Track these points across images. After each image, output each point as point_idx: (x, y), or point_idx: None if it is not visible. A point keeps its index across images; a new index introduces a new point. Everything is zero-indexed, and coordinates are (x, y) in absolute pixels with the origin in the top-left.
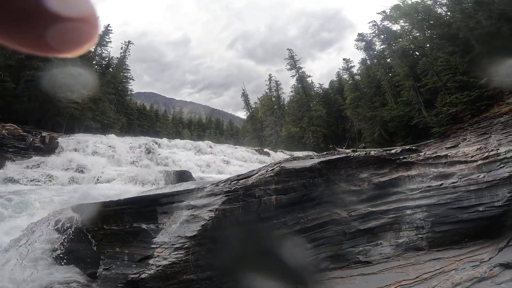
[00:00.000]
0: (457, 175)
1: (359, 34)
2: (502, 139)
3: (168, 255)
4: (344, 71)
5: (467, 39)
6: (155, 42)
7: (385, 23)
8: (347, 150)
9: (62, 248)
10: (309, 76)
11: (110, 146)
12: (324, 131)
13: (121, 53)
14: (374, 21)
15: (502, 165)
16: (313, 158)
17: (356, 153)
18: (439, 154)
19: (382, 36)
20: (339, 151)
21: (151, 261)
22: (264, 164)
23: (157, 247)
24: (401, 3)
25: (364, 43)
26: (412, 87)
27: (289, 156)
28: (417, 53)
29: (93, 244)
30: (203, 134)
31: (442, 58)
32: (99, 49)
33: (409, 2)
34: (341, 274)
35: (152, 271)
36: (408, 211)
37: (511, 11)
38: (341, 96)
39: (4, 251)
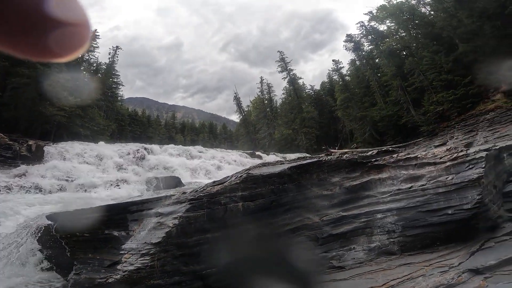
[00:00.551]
0: (426, 177)
1: (348, 35)
2: (488, 136)
3: (135, 261)
4: (334, 72)
5: (451, 38)
6: (146, 46)
7: (372, 23)
8: (340, 151)
9: (42, 254)
10: (300, 78)
11: (97, 154)
12: (317, 133)
13: (109, 58)
14: (362, 22)
15: (471, 166)
16: (283, 163)
17: (327, 157)
18: (409, 155)
19: (370, 37)
20: (332, 152)
21: (119, 267)
22: (238, 170)
23: (125, 253)
24: (387, 4)
25: (353, 44)
26: (400, 87)
27: (260, 162)
28: (404, 52)
29: (67, 251)
30: (196, 138)
31: (427, 58)
32: (86, 55)
33: (395, 2)
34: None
35: (118, 276)
36: (379, 215)
37: (492, 8)
38: (332, 97)
39: None
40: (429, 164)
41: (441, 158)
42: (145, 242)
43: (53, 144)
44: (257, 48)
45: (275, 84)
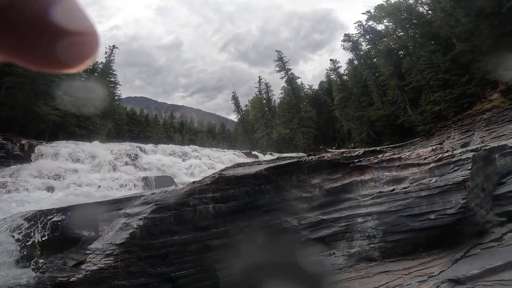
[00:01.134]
0: (409, 180)
1: (346, 35)
2: (485, 135)
3: (99, 261)
4: (331, 72)
5: (448, 37)
6: (146, 46)
7: (370, 23)
8: (337, 151)
9: (19, 252)
10: (298, 78)
11: (90, 153)
12: (314, 132)
13: (105, 57)
14: (360, 22)
15: (456, 168)
16: (261, 164)
17: (308, 158)
18: (393, 156)
19: (368, 36)
20: (329, 151)
21: (82, 266)
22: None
23: (91, 253)
24: (384, 3)
25: (351, 43)
26: (397, 86)
27: (234, 163)
28: (401, 52)
29: (38, 250)
30: (195, 138)
31: (424, 57)
32: None
33: (392, 1)
34: None
35: (81, 275)
36: (359, 219)
37: (489, 7)
38: (330, 97)
39: None
40: (412, 165)
41: (425, 159)
42: (110, 243)
43: (46, 143)
44: (257, 48)
45: (275, 84)
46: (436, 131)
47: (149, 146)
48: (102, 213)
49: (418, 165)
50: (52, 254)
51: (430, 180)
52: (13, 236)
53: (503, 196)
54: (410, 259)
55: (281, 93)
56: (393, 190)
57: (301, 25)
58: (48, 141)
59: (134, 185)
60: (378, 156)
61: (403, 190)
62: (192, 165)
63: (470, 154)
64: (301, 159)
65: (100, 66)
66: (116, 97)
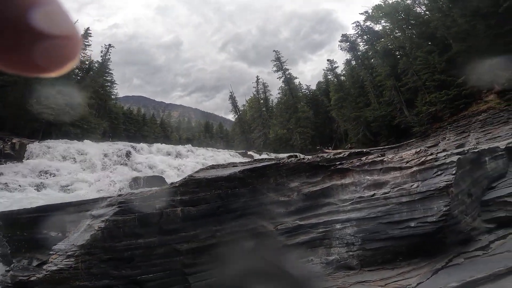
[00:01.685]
0: (390, 184)
1: (343, 35)
2: (480, 137)
3: (60, 261)
4: (329, 72)
5: (445, 37)
6: (145, 45)
7: (368, 23)
8: (334, 151)
9: None
10: (296, 78)
11: (82, 152)
12: (312, 133)
13: (101, 56)
14: (358, 22)
15: (439, 173)
16: (236, 166)
17: (287, 160)
18: (375, 159)
19: (365, 37)
20: (326, 151)
21: (44, 266)
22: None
23: (54, 254)
24: (382, 3)
25: (348, 43)
26: (393, 87)
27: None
28: (398, 52)
29: (8, 249)
30: (192, 137)
31: (421, 57)
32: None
33: (390, 2)
34: None
35: (41, 275)
36: (338, 225)
37: (485, 7)
38: (327, 97)
39: None
40: (394, 169)
41: (407, 162)
42: (72, 244)
43: (38, 142)
44: (256, 48)
45: (273, 84)
46: (432, 132)
47: (142, 146)
48: (69, 214)
49: (400, 168)
50: (21, 253)
51: (411, 185)
52: None
53: (493, 202)
54: (389, 268)
55: (279, 93)
56: (373, 195)
57: (301, 25)
58: (42, 140)
59: (128, 184)
60: (362, 158)
61: (384, 195)
62: (185, 165)
63: (454, 158)
64: (279, 161)
65: (96, 65)
66: (112, 96)
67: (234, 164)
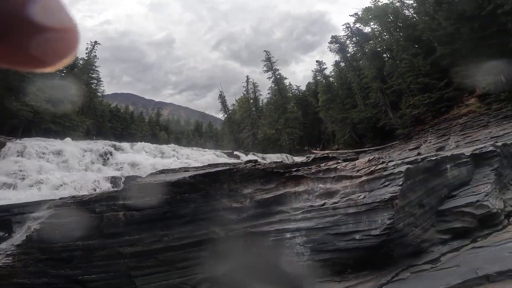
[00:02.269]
0: (340, 194)
1: (333, 37)
2: (460, 140)
3: (0, 260)
4: (317, 73)
5: (430, 40)
6: (137, 42)
7: (358, 25)
8: (321, 152)
9: None
10: (286, 78)
11: (60, 151)
12: (300, 133)
13: (86, 53)
14: (348, 24)
15: (386, 183)
16: (188, 170)
17: (241, 165)
18: (330, 166)
19: (355, 39)
20: (314, 152)
21: None
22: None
23: None
24: (372, 5)
25: (338, 45)
26: (379, 89)
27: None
28: (386, 55)
29: None
30: (181, 136)
31: (406, 60)
32: None
33: (380, 4)
34: None
35: None
36: (288, 235)
37: (470, 10)
38: (315, 98)
39: None
40: (346, 177)
41: (358, 171)
42: (12, 244)
43: (16, 140)
44: (249, 47)
45: (265, 84)
46: (415, 135)
47: (125, 145)
48: (15, 216)
49: (351, 177)
50: None
51: (359, 196)
52: None
53: (449, 212)
54: (337, 281)
55: (268, 93)
56: (323, 204)
57: (295, 26)
58: (21, 137)
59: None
60: (321, 165)
61: (333, 205)
62: (167, 165)
63: (403, 168)
64: (234, 167)
65: (81, 62)
66: (99, 94)
67: (185, 169)
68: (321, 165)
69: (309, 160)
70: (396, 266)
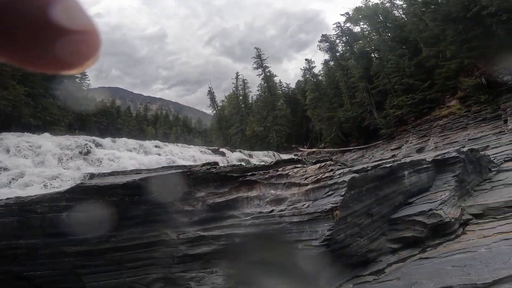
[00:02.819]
0: (288, 201)
1: (323, 35)
2: (439, 141)
3: None
4: (306, 72)
5: (417, 41)
6: (128, 36)
7: (348, 24)
8: (308, 150)
9: None
10: (276, 76)
11: (36, 146)
12: (288, 131)
13: None
14: (338, 23)
15: (330, 193)
16: (140, 173)
17: (195, 169)
18: (282, 172)
19: (344, 38)
20: (301, 150)
21: None
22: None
23: None
24: (363, 5)
25: (328, 44)
26: (365, 89)
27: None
28: (373, 55)
29: None
30: (169, 132)
31: (392, 61)
32: None
33: (370, 4)
34: None
35: None
36: (237, 239)
37: (456, 12)
38: (303, 96)
39: None
40: (295, 184)
41: (306, 178)
42: None
43: None
44: (242, 44)
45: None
46: (397, 135)
47: (105, 140)
48: None
49: (299, 185)
50: None
51: (303, 205)
52: None
53: (401, 220)
54: None
55: (258, 90)
56: (271, 211)
57: (289, 24)
58: (0, 132)
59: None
60: (278, 169)
61: (280, 212)
62: (149, 162)
63: (347, 177)
64: (187, 169)
65: None
66: (84, 88)
67: (137, 171)
68: (278, 169)
69: (272, 163)
70: (341, 276)
